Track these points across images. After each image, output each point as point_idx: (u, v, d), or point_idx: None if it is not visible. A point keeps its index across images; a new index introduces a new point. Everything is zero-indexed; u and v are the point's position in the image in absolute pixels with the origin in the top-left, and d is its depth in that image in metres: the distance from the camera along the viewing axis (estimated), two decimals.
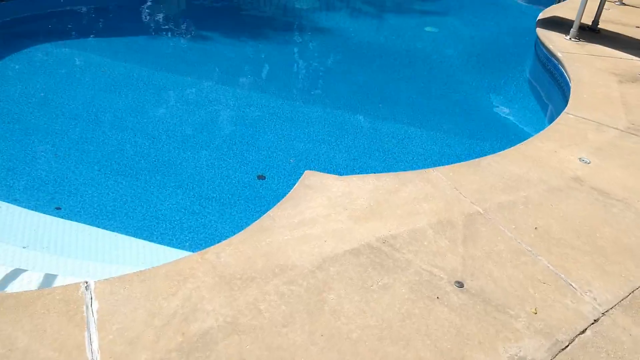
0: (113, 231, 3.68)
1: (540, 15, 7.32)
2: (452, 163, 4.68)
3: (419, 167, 4.59)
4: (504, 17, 9.52)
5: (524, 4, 10.23)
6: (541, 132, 3.93)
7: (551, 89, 5.67)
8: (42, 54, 6.20)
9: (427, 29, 8.39)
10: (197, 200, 4.06)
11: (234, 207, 4.02)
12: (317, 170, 4.47)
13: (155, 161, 4.41)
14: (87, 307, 2.13)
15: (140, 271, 2.33)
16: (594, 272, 2.63)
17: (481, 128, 5.38)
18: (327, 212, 2.82)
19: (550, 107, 5.63)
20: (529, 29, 7.36)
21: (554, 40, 6.18)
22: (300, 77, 6.36)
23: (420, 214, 2.88)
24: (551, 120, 4.75)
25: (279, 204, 2.86)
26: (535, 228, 2.88)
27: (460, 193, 3.10)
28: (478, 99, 6.06)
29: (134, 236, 3.69)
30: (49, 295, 2.16)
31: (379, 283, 2.41)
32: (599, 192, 3.26)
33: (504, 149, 4.95)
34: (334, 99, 5.78)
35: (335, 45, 7.64)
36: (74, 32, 7.10)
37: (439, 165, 4.58)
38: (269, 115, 5.27)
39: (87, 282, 2.24)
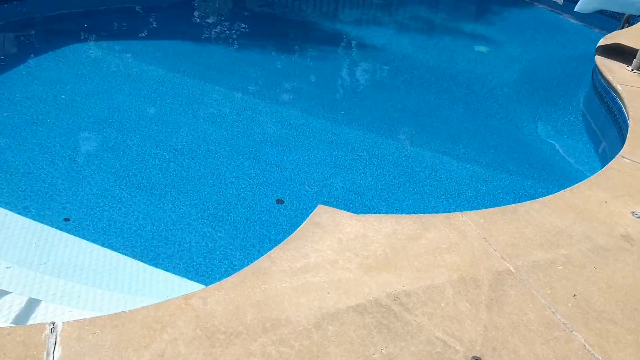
0: (117, 250, 3.49)
1: (601, 42, 6.80)
2: (487, 201, 4.37)
3: (450, 204, 4.25)
4: (561, 39, 8.99)
5: (584, 26, 9.63)
6: (591, 177, 3.52)
7: (607, 125, 5.19)
8: (73, 54, 6.11)
9: (478, 48, 7.99)
10: (210, 222, 3.83)
11: (247, 233, 3.77)
12: (340, 199, 4.21)
13: (173, 175, 4.22)
14: (48, 354, 1.90)
15: (116, 314, 2.09)
16: (638, 356, 2.24)
17: (524, 164, 4.96)
18: (335, 257, 2.52)
19: (604, 146, 5.16)
20: (587, 54, 6.86)
21: (613, 71, 5.70)
22: (333, 95, 6.07)
23: (440, 268, 2.55)
24: (604, 162, 4.31)
25: (282, 243, 2.58)
26: (574, 295, 2.50)
27: (490, 245, 2.74)
28: (524, 130, 5.63)
29: (139, 257, 3.48)
30: (8, 336, 1.95)
31: (383, 351, 2.10)
32: None
33: (547, 189, 4.56)
34: (367, 121, 5.47)
35: (374, 62, 7.33)
36: (107, 33, 7.01)
37: (471, 203, 4.27)
38: (296, 133, 5.01)
39: (54, 324, 2.01)
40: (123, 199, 3.89)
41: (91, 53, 6.15)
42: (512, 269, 2.61)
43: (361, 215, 2.83)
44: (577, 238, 2.89)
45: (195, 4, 8.42)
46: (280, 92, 5.90)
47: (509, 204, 4.28)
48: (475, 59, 7.58)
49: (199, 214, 3.88)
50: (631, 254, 2.83)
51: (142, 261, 3.42)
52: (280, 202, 4.15)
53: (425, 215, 2.89)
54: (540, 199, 3.19)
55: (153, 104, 5.18)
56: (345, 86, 6.33)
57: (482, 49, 7.98)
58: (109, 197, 3.89)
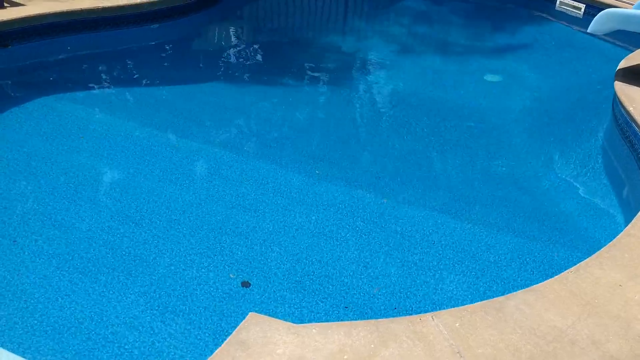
0: (44, 357, 3.00)
1: (622, 64, 6.07)
2: (488, 274, 3.74)
3: (443, 280, 3.64)
4: (583, 62, 8.24)
5: (609, 43, 8.82)
6: (603, 249, 2.87)
7: (631, 168, 4.50)
8: (32, 109, 5.55)
9: (488, 77, 7.36)
10: (160, 315, 3.31)
11: (202, 327, 3.24)
12: (315, 276, 3.62)
13: (125, 255, 3.73)
14: None
15: None
16: None
17: (534, 222, 4.30)
18: None
19: (628, 195, 4.45)
20: (611, 78, 6.14)
21: (635, 100, 5.02)
22: (317, 145, 5.48)
23: None
24: (629, 216, 3.65)
25: None
26: None
27: None
28: (534, 179, 4.95)
29: None
30: None
31: None
32: None
33: (560, 255, 3.91)
34: (353, 175, 4.90)
35: (363, 100, 6.69)
36: (72, 83, 6.45)
37: (469, 278, 3.65)
38: (272, 194, 4.48)
39: None
40: (61, 289, 3.41)
41: (50, 108, 5.62)
42: None
43: (302, 326, 2.27)
44: (582, 345, 2.26)
45: (168, 47, 7.88)
46: (260, 145, 5.38)
47: (512, 275, 3.71)
48: (483, 91, 6.96)
49: (148, 304, 3.37)
50: None
51: None
52: (246, 285, 3.62)
53: (384, 321, 2.30)
54: (535, 286, 2.57)
55: (116, 165, 4.72)
56: (330, 133, 5.73)
57: (493, 77, 7.36)
58: (46, 287, 3.42)
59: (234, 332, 2.22)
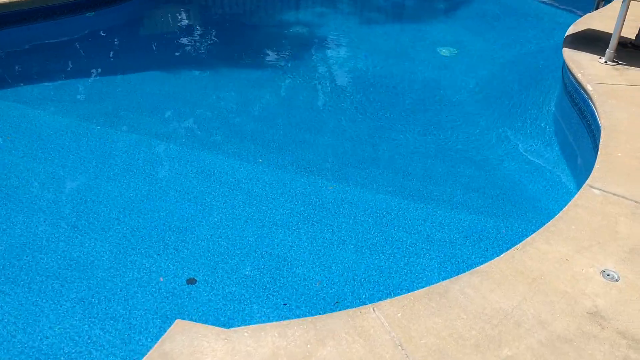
0: None
1: (571, 29, 5.99)
2: (443, 254, 3.64)
3: (397, 263, 3.53)
4: (535, 29, 8.19)
5: (559, 10, 8.81)
6: (550, 222, 2.78)
7: (581, 136, 4.44)
8: None
9: (442, 51, 7.24)
10: (99, 322, 3.13)
11: (143, 331, 3.07)
12: (264, 267, 3.43)
13: (60, 260, 3.52)
14: None
15: None
16: None
17: (487, 198, 4.22)
18: None
19: (580, 163, 4.40)
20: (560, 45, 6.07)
21: (583, 66, 4.95)
22: (258, 126, 5.25)
23: None
24: (580, 185, 3.58)
25: None
26: None
27: (407, 356, 2.02)
28: (485, 152, 4.87)
29: None
30: None
31: None
32: (631, 340, 2.11)
33: (514, 229, 3.84)
34: (303, 157, 4.74)
35: (313, 78, 6.51)
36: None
37: (424, 260, 3.55)
38: (218, 185, 4.30)
39: None
40: None
41: None
42: None
43: (233, 331, 2.11)
44: (527, 326, 2.16)
45: (106, 36, 7.48)
46: (204, 134, 5.17)
47: (467, 255, 3.62)
48: (438, 65, 6.83)
49: (85, 312, 3.19)
50: (601, 343, 2.10)
51: None
52: (192, 282, 3.45)
53: (322, 317, 2.17)
54: (481, 267, 2.46)
55: (49, 165, 4.47)
56: (278, 117, 5.51)
57: (446, 51, 7.24)
58: None
59: (157, 343, 2.06)
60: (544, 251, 2.56)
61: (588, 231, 2.70)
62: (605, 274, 2.43)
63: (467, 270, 3.35)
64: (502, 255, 2.51)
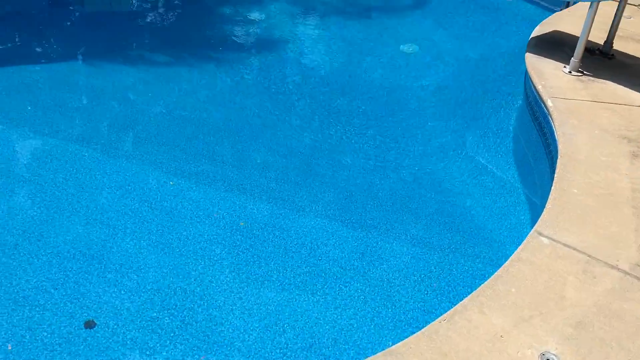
0: None
1: (536, 31, 5.52)
2: (375, 294, 3.25)
3: (322, 308, 3.13)
4: (503, 26, 7.74)
5: (532, 4, 8.33)
6: (485, 282, 2.40)
7: (540, 158, 4.05)
8: None
9: (405, 48, 6.77)
10: None
11: None
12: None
13: None
14: None
15: None
16: None
17: (434, 226, 3.84)
18: None
19: (535, 188, 4.01)
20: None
21: (545, 75, 4.56)
22: (188, 134, 4.67)
23: None
24: (535, 216, 3.22)
25: None
26: None
27: None
28: (440, 173, 4.45)
29: None
30: None
31: None
32: None
33: (460, 263, 3.47)
34: (237, 172, 4.30)
35: (258, 78, 5.93)
36: None
37: (354, 303, 3.18)
38: (137, 203, 3.84)
39: None
40: None
41: None
42: None
43: None
44: None
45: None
46: (123, 141, 4.64)
47: (404, 297, 3.25)
48: (398, 64, 6.37)
49: None
50: None
51: None
52: (90, 325, 3.02)
53: None
54: (396, 346, 2.07)
55: None
56: (216, 124, 4.94)
57: (408, 48, 6.79)
58: None
59: None
60: (475, 324, 2.18)
61: (530, 295, 2.33)
62: (544, 358, 2.06)
63: (401, 322, 2.99)
64: (424, 330, 2.13)
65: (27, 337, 2.90)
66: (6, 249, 3.38)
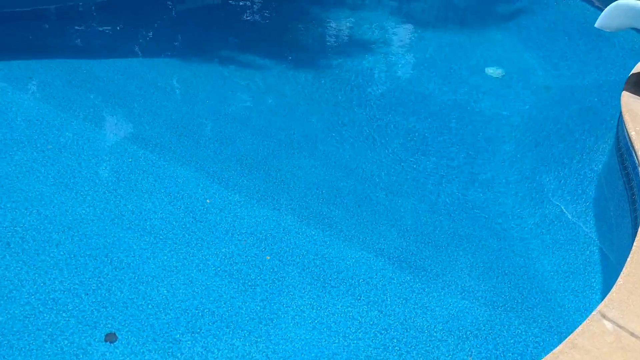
0: None
1: (638, 68, 4.97)
2: (420, 350, 2.96)
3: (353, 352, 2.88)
4: (605, 55, 7.05)
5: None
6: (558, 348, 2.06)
7: (622, 210, 3.58)
8: None
9: (490, 71, 6.35)
10: None
11: None
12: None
13: None
14: None
15: None
16: None
17: (493, 278, 3.47)
18: None
19: (613, 250, 3.54)
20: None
21: None
22: (247, 139, 4.61)
23: None
24: (608, 285, 2.82)
25: None
26: None
27: None
28: (509, 219, 4.02)
29: None
30: None
31: None
32: None
33: (515, 325, 3.10)
34: (289, 189, 4.13)
35: (330, 98, 5.65)
36: None
37: None
38: (182, 212, 3.76)
39: None
40: None
41: None
42: None
43: None
44: None
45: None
46: (190, 142, 4.59)
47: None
48: (481, 88, 5.96)
49: None
50: None
51: None
52: (110, 339, 2.95)
53: None
54: None
55: None
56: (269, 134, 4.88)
57: (494, 71, 6.37)
58: None
59: None
60: None
61: None
62: None
63: None
64: None
65: (48, 344, 2.86)
66: (48, 246, 3.38)
